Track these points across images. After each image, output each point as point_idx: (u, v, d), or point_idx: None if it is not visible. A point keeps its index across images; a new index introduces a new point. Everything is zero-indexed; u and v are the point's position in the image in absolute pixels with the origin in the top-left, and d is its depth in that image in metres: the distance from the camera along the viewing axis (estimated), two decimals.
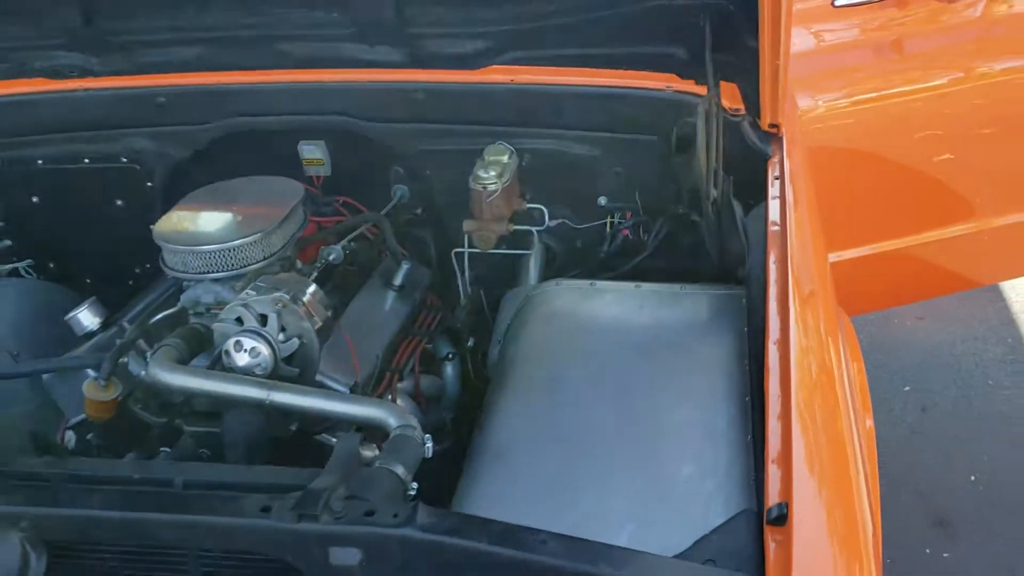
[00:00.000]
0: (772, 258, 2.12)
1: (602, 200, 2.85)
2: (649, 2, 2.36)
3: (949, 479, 3.61)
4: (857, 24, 3.60)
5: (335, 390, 2.30)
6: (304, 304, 2.21)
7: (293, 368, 2.17)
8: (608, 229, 2.85)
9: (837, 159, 3.37)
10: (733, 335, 2.25)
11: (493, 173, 2.63)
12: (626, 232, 2.82)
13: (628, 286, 2.50)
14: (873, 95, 3.43)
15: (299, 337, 2.17)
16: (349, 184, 2.97)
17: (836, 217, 3.40)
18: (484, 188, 2.61)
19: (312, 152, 2.95)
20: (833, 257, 3.46)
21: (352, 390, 2.33)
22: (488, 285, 3.00)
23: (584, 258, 2.93)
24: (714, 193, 2.33)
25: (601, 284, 2.51)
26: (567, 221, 2.89)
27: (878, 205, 3.54)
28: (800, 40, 3.57)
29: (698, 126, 2.24)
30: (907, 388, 4.08)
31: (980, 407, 3.96)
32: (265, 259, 2.37)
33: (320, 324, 2.23)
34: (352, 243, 2.74)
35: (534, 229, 2.87)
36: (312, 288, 2.29)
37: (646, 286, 2.48)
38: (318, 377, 2.26)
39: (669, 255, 2.81)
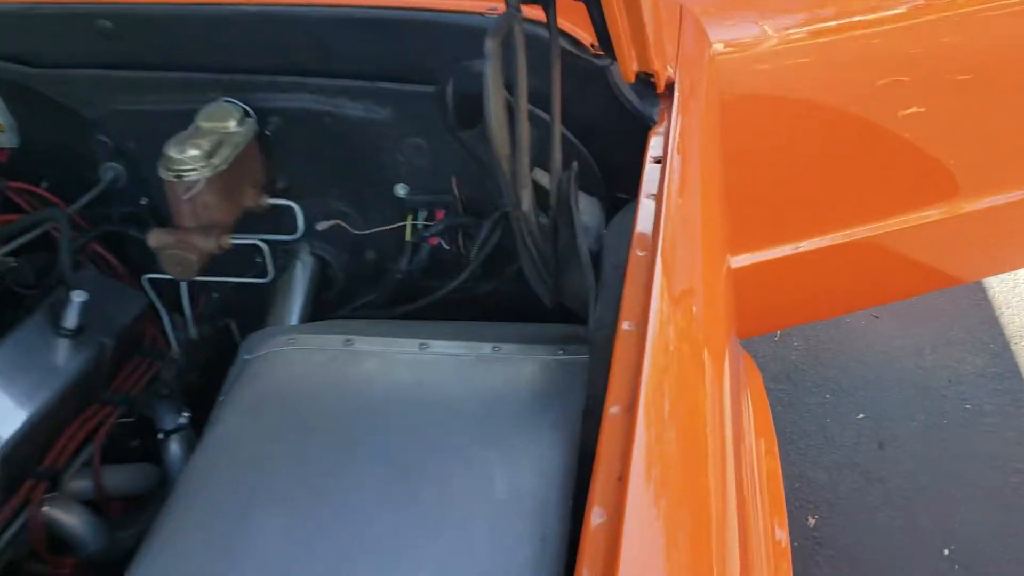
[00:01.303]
0: (626, 322, 1.17)
1: (400, 190, 1.88)
2: None
3: (915, 553, 2.63)
4: None
5: None
6: None
7: None
8: (408, 236, 1.87)
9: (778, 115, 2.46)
10: (561, 441, 1.30)
11: (195, 152, 1.61)
12: (435, 241, 1.84)
13: (409, 344, 1.51)
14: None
15: None
16: (49, 159, 2.05)
17: (777, 199, 2.55)
18: (179, 178, 1.60)
19: None
20: (776, 252, 2.62)
21: None
22: (244, 315, 2.02)
23: (379, 276, 1.95)
24: (526, 199, 1.31)
25: (362, 343, 1.51)
26: (343, 223, 1.90)
27: (835, 183, 2.61)
28: None
29: (486, 76, 1.18)
30: (860, 416, 3.09)
31: (955, 441, 2.98)
32: None
33: None
34: (14, 256, 1.78)
35: (261, 242, 1.86)
36: None
37: (436, 344, 1.50)
38: None
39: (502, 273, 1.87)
